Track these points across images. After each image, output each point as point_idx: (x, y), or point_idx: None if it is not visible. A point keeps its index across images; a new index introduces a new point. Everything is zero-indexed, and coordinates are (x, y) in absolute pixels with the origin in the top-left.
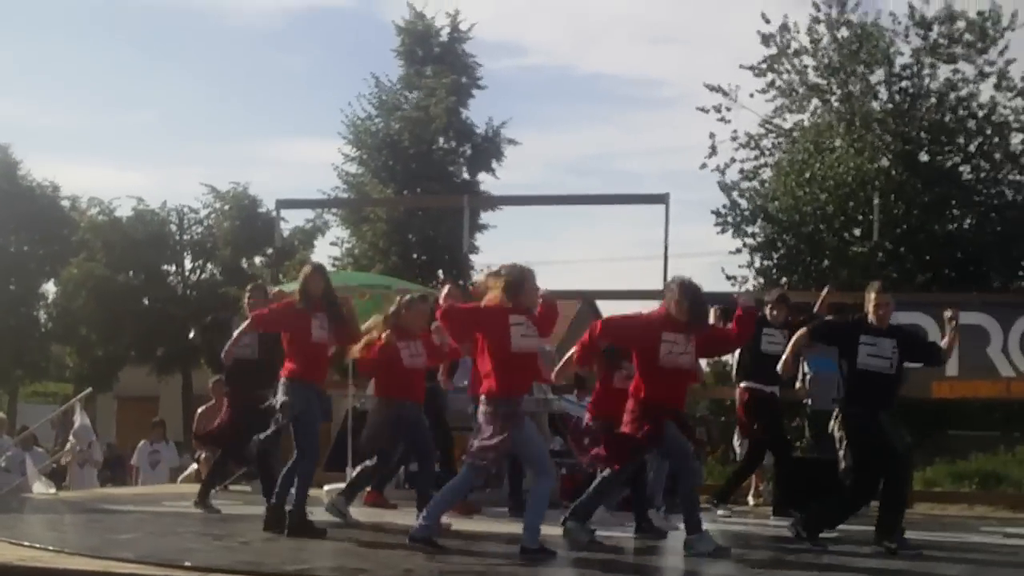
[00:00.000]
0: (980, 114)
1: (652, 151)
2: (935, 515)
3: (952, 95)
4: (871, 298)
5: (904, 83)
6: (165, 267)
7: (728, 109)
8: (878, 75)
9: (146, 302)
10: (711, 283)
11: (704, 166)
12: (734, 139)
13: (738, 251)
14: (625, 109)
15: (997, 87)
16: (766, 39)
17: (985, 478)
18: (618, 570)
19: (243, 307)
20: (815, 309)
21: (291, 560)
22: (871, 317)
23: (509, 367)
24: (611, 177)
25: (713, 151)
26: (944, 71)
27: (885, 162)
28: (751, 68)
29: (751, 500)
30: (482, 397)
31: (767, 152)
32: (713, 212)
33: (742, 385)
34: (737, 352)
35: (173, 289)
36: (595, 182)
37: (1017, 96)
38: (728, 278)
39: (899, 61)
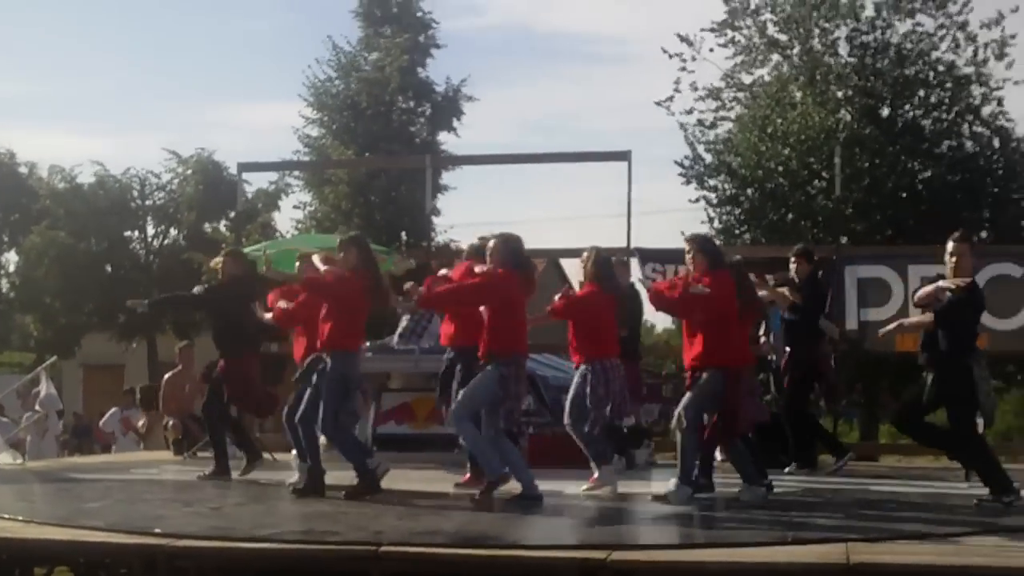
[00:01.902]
0: (941, 68)
1: (615, 108)
2: (901, 467)
3: (914, 48)
4: (947, 247)
5: (866, 37)
6: (128, 233)
7: (693, 59)
8: (840, 30)
9: (109, 269)
10: (673, 241)
11: (659, 104)
12: (695, 89)
13: (698, 200)
14: (586, 67)
15: (956, 47)
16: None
17: None
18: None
19: (218, 271)
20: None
21: (261, 525)
22: (946, 269)
23: None
24: (574, 135)
25: (672, 98)
26: (905, 25)
27: (847, 116)
28: (711, 30)
29: (719, 455)
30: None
31: (727, 105)
32: (676, 163)
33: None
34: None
35: (136, 256)
36: (558, 140)
37: (971, 44)
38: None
39: (862, 15)
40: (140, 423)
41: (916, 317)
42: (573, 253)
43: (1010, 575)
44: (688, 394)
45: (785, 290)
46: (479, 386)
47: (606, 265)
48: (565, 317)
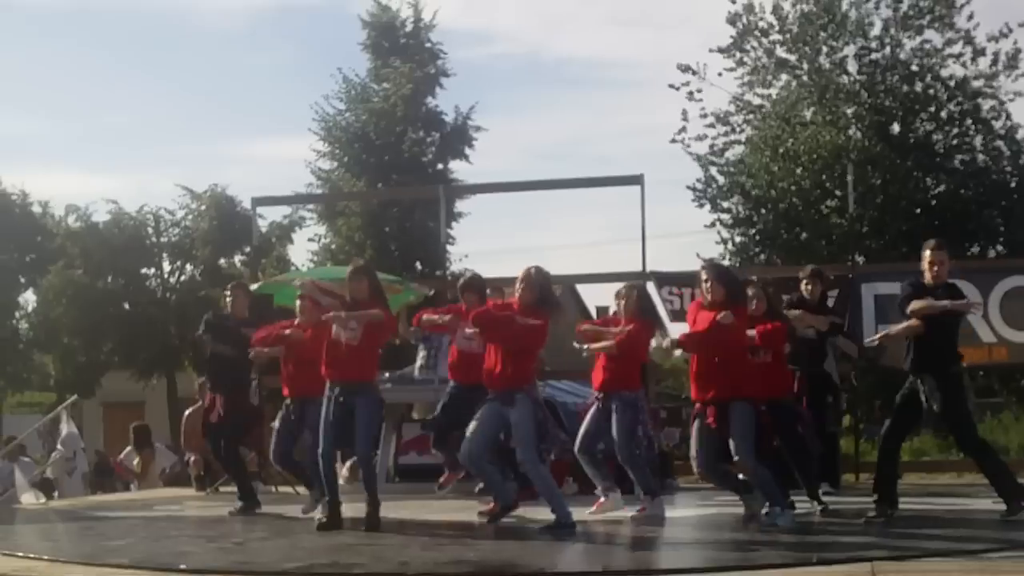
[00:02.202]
0: (952, 83)
1: (625, 133)
2: (924, 484)
3: (923, 64)
4: (926, 256)
5: (874, 55)
6: (144, 270)
7: (699, 90)
8: (848, 49)
9: (127, 306)
10: (688, 263)
11: (674, 141)
12: (703, 116)
13: (712, 224)
14: (596, 92)
15: (969, 60)
16: (732, 19)
17: None
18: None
19: (226, 304)
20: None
21: (286, 558)
22: (927, 276)
23: None
24: (585, 161)
25: (683, 130)
26: (913, 42)
27: (858, 134)
28: (720, 50)
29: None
30: None
31: (737, 129)
32: (689, 188)
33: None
34: None
35: (153, 292)
36: (569, 166)
37: (979, 56)
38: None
39: (870, 33)
40: (135, 462)
41: (903, 325)
42: (589, 279)
43: None
44: (731, 440)
45: (832, 318)
46: (525, 425)
47: (648, 299)
48: (623, 351)
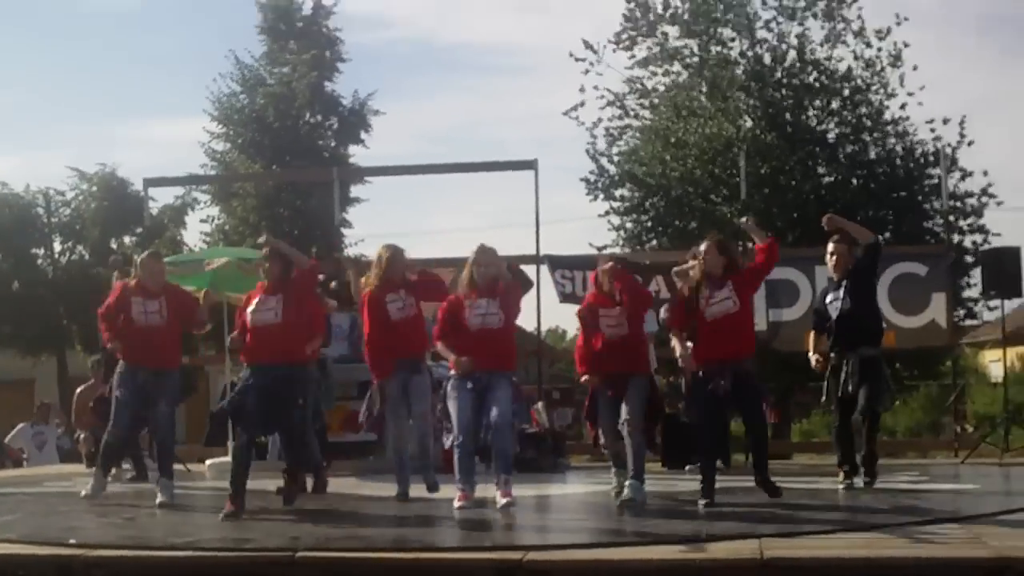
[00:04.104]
0: (838, 75)
1: (519, 119)
2: (814, 464)
3: (811, 57)
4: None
5: (759, 49)
6: (34, 250)
7: (599, 62)
8: (737, 42)
9: (16, 286)
10: (580, 248)
11: (566, 113)
12: (600, 97)
13: (606, 214)
14: (490, 77)
15: (854, 56)
16: (629, 14)
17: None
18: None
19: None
20: None
21: (176, 534)
22: (828, 269)
23: None
24: (480, 146)
25: (577, 107)
26: (800, 32)
27: (749, 123)
28: (612, 42)
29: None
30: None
31: (631, 113)
32: (582, 180)
33: None
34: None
35: (43, 272)
36: (464, 151)
37: (867, 48)
38: (597, 249)
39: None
40: (84, 436)
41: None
42: None
43: (918, 565)
44: (637, 403)
45: None
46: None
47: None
48: None
